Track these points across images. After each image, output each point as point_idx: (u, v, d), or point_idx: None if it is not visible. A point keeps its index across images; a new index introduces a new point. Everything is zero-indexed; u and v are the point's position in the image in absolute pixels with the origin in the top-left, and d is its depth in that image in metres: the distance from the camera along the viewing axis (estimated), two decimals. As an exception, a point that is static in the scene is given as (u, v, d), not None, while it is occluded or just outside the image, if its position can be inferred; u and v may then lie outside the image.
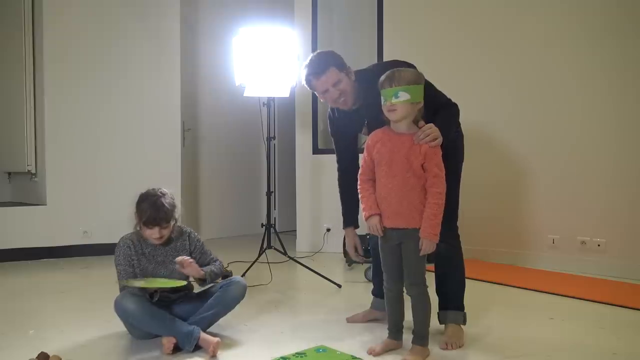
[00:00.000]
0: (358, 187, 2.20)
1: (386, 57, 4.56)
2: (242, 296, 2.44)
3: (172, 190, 4.69)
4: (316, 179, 4.80)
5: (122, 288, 2.30)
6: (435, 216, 2.05)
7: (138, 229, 2.35)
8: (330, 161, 4.69)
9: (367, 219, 2.15)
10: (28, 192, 4.83)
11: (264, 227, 3.64)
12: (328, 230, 4.71)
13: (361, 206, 2.17)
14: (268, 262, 3.65)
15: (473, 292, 3.27)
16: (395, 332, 2.25)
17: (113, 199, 4.56)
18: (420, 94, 2.07)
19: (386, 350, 2.21)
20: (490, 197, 4.20)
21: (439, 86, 2.43)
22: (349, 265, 4.06)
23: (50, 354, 2.12)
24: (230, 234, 5.78)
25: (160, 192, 2.35)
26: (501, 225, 4.15)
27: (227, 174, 5.88)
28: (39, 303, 3.18)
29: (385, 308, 2.27)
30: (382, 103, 2.08)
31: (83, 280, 3.77)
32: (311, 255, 4.55)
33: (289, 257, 3.60)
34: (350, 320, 2.64)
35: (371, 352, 2.18)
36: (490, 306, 2.98)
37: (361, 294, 3.16)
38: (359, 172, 2.21)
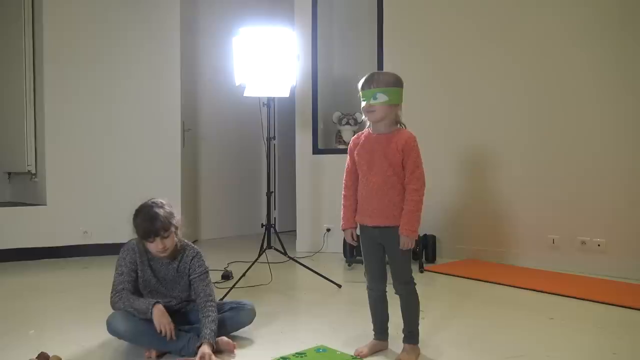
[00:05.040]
0: (343, 192, 2.24)
1: (386, 58, 4.56)
2: (250, 323, 2.44)
3: (171, 191, 4.78)
4: (316, 179, 4.81)
5: (116, 294, 2.25)
6: (412, 212, 2.07)
7: (141, 245, 2.28)
8: (330, 161, 4.72)
9: (343, 229, 2.25)
10: (28, 192, 4.83)
11: (264, 227, 3.64)
12: (328, 230, 4.71)
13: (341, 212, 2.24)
14: (268, 262, 3.64)
15: (473, 292, 3.29)
16: (381, 332, 2.26)
17: (113, 199, 4.56)
18: (398, 96, 2.10)
19: (374, 351, 2.21)
20: (490, 197, 4.20)
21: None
22: (349, 265, 4.06)
23: (51, 354, 2.13)
24: (230, 234, 5.79)
25: (153, 202, 2.23)
26: (501, 225, 4.15)
27: (227, 174, 5.88)
28: (39, 303, 3.18)
29: (369, 309, 2.27)
30: (362, 104, 2.12)
31: (83, 280, 3.77)
32: (311, 256, 4.54)
33: (289, 257, 3.60)
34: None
35: (359, 354, 2.19)
36: (490, 306, 2.98)
37: (361, 294, 3.15)
38: (344, 177, 2.25)
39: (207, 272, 2.35)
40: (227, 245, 5.21)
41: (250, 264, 3.50)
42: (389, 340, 2.26)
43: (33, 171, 4.67)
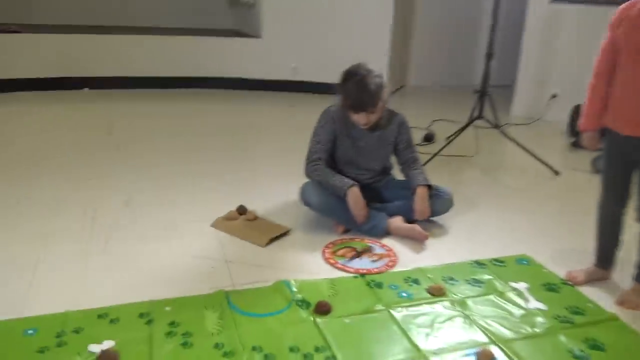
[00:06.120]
0: (591, 80, 1.69)
1: None
2: (446, 212, 2.24)
3: (382, 33, 4.46)
4: (550, 33, 3.97)
5: (312, 163, 2.15)
6: None
7: (342, 114, 2.12)
8: (570, 13, 3.83)
9: (581, 130, 1.74)
10: (246, 22, 4.97)
11: (477, 93, 3.13)
12: (554, 96, 4.01)
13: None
14: (476, 127, 3.21)
15: None
16: (604, 260, 1.84)
17: (323, 38, 4.51)
18: None
19: (590, 279, 1.83)
20: None
21: None
22: (572, 145, 3.43)
23: (249, 208, 2.22)
24: (439, 83, 5.32)
25: (365, 70, 2.02)
26: None
27: (445, 19, 5.21)
28: (247, 138, 3.33)
29: (596, 229, 1.83)
30: None
31: (287, 121, 3.85)
32: (528, 124, 3.96)
33: (499, 129, 3.13)
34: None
35: (572, 280, 1.83)
36: None
37: (583, 188, 2.66)
38: (597, 59, 1.66)
39: (412, 140, 2.27)
40: (435, 98, 4.85)
41: (456, 131, 3.16)
42: (613, 270, 1.85)
43: (252, 2, 4.73)
